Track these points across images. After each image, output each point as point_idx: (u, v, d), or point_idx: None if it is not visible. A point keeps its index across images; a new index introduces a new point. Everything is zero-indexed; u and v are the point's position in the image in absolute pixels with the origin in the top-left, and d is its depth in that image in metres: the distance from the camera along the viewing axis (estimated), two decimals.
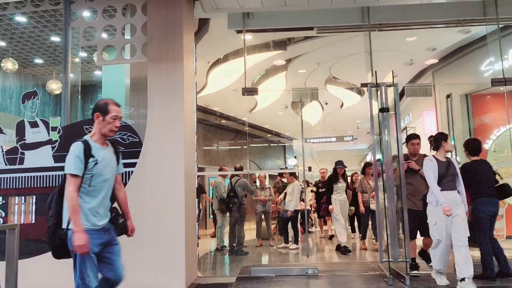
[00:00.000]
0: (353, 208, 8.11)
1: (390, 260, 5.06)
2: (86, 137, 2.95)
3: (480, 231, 4.85)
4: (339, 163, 7.75)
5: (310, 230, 11.17)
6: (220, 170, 8.94)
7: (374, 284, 4.94)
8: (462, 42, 8.14)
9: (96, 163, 2.86)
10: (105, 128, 2.97)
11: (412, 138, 5.49)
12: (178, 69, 5.29)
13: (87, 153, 2.85)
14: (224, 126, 15.09)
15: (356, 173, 9.53)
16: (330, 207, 7.67)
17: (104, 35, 5.76)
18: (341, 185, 7.76)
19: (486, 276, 4.70)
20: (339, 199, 7.69)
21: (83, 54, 7.58)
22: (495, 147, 8.50)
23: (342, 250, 7.44)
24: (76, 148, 2.85)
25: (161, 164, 5.15)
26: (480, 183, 4.96)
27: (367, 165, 7.79)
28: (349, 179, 8.60)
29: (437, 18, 6.22)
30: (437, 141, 4.82)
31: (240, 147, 15.98)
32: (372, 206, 7.23)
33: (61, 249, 2.84)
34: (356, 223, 8.98)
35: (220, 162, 14.24)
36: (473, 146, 5.20)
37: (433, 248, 4.72)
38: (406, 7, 5.96)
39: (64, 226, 2.81)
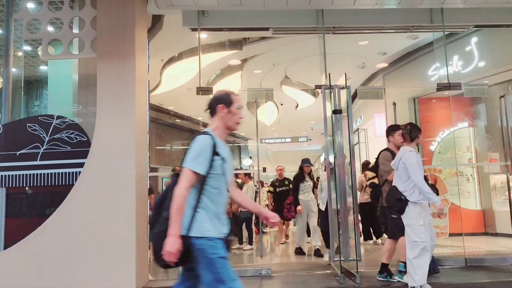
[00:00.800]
0: None
1: (341, 259, 5.16)
2: (209, 131, 2.58)
3: None
4: (306, 161, 7.47)
5: (264, 230, 11.21)
6: (173, 170, 8.75)
7: (326, 283, 5.01)
8: (411, 47, 8.49)
9: (222, 162, 2.51)
10: (231, 121, 2.63)
11: (399, 128, 5.01)
12: (130, 66, 5.11)
13: (214, 149, 2.49)
14: (178, 125, 14.84)
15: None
16: (299, 207, 7.24)
17: (50, 28, 5.46)
18: (308, 184, 7.38)
19: None
20: (305, 199, 7.30)
21: (27, 47, 7.15)
22: (440, 149, 8.94)
23: (297, 251, 7.31)
24: (205, 141, 2.48)
25: (111, 165, 4.95)
26: None
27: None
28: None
29: (388, 23, 6.42)
30: (414, 132, 4.49)
31: None
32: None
33: (183, 257, 2.39)
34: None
35: (174, 162, 13.98)
36: None
37: (417, 257, 4.18)
38: (359, 11, 6.11)
39: (183, 232, 2.38)
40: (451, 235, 7.99)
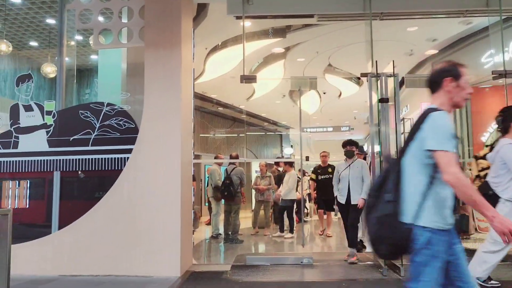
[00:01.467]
0: None
1: None
2: (438, 108, 2.30)
3: None
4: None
5: (305, 219, 11.19)
6: (215, 158, 8.88)
7: (369, 274, 4.94)
8: (463, 33, 8.07)
9: (456, 143, 2.24)
10: (458, 96, 2.33)
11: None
12: (176, 55, 5.20)
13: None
14: (221, 113, 15.01)
15: None
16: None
17: (101, 18, 5.65)
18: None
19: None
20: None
21: (79, 37, 7.46)
22: (492, 140, 8.51)
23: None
24: (446, 118, 2.23)
25: (157, 151, 5.09)
26: None
27: None
28: None
29: (439, 8, 6.14)
30: (508, 121, 4.08)
31: (236, 135, 15.93)
32: None
33: (399, 247, 2.23)
34: None
35: (217, 149, 14.20)
36: None
37: (491, 253, 3.94)
38: None
39: (407, 220, 2.16)
40: None
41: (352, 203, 5.56)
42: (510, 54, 7.33)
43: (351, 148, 5.84)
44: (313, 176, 8.32)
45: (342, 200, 5.71)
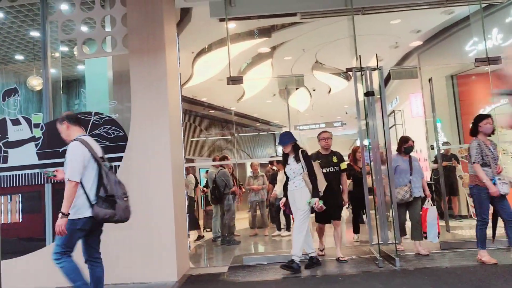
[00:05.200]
0: None
1: (380, 242, 5.11)
2: None
3: None
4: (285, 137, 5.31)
5: None
6: (213, 160, 8.84)
7: (365, 267, 4.98)
8: (446, 23, 8.15)
9: None
10: None
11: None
12: (161, 60, 5.22)
13: None
14: (212, 116, 15.03)
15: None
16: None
17: (84, 28, 5.65)
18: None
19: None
20: None
21: (63, 48, 7.43)
22: None
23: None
24: None
25: (147, 157, 5.10)
26: None
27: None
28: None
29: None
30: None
31: (230, 136, 15.95)
32: None
33: None
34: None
35: (210, 152, 14.21)
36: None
37: None
38: None
39: None
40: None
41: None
42: (493, 42, 7.41)
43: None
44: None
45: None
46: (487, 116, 4.88)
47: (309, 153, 5.30)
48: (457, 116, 8.86)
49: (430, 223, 5.39)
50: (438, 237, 5.44)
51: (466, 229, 7.36)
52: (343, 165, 5.54)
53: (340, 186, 5.57)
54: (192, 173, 8.90)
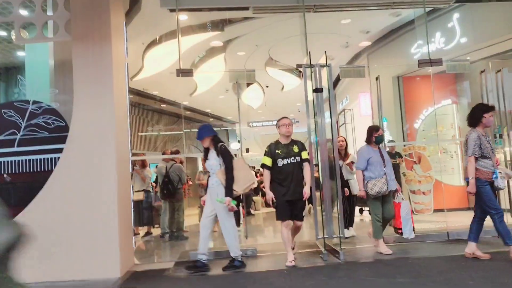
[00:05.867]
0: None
1: (325, 236, 5.20)
2: None
3: None
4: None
5: (251, 212, 11.26)
6: (163, 154, 8.63)
7: (310, 261, 5.05)
8: (394, 25, 8.45)
9: None
10: None
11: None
12: (106, 49, 5.01)
13: None
14: (164, 110, 14.70)
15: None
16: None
17: (23, 12, 5.31)
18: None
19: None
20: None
21: (1, 32, 6.96)
22: (424, 126, 9.00)
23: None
24: None
25: (90, 150, 4.89)
26: None
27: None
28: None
29: (369, 0, 6.36)
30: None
31: (182, 131, 15.68)
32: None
33: None
34: None
35: (161, 147, 13.89)
36: None
37: None
38: None
39: None
40: (435, 211, 8.08)
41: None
42: (436, 45, 7.77)
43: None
44: (267, 161, 4.98)
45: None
46: (492, 107, 4.56)
47: (265, 148, 5.04)
48: (402, 116, 9.23)
49: (404, 218, 5.16)
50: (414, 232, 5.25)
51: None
52: (305, 155, 4.99)
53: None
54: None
